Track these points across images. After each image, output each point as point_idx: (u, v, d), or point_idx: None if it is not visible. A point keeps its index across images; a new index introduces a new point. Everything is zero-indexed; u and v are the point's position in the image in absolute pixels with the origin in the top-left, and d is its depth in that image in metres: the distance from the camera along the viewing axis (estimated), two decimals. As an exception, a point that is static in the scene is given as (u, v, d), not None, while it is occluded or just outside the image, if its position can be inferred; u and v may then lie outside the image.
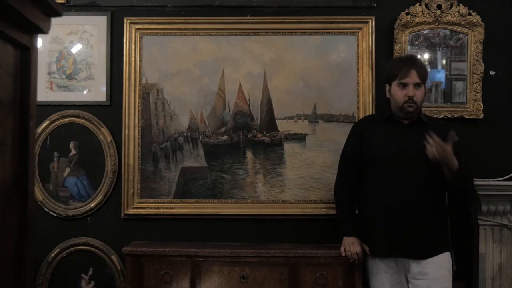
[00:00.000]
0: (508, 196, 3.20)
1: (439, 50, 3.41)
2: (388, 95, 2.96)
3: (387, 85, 2.95)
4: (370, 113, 3.38)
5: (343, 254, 2.97)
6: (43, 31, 1.25)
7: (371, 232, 2.90)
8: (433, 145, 2.65)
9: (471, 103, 3.35)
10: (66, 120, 3.46)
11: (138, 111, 3.44)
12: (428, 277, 2.77)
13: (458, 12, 3.37)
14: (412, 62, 2.91)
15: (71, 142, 3.47)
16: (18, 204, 1.21)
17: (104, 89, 3.46)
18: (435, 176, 2.80)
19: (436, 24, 3.39)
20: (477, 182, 3.15)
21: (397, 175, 2.81)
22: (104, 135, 3.45)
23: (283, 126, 3.46)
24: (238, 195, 3.44)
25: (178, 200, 3.45)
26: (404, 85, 2.84)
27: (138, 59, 3.45)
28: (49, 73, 3.47)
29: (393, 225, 2.80)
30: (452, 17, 3.37)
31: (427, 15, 3.38)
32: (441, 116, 3.33)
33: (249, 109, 3.48)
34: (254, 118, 3.48)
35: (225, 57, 3.46)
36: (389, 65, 3.02)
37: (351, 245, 2.96)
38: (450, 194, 3.05)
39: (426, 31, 3.41)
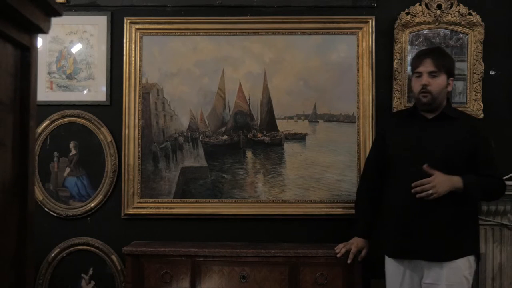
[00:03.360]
0: (508, 196, 3.19)
1: (439, 50, 3.40)
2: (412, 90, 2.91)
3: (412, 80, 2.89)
4: (370, 113, 3.39)
5: (336, 250, 2.99)
6: (43, 31, 1.25)
7: (389, 232, 2.81)
8: (424, 189, 2.60)
9: (471, 103, 3.35)
10: (66, 120, 3.46)
11: (138, 111, 3.44)
12: (441, 282, 2.66)
13: (458, 12, 3.37)
14: (428, 51, 2.85)
15: (71, 142, 3.47)
16: (18, 204, 1.21)
17: (104, 89, 3.46)
18: (459, 173, 2.66)
19: (436, 24, 3.39)
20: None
21: (416, 173, 2.67)
22: (104, 135, 3.45)
23: (283, 126, 3.46)
24: (238, 195, 3.44)
25: (178, 200, 3.45)
26: (419, 75, 2.76)
27: (138, 59, 3.45)
28: (49, 73, 3.47)
29: (410, 226, 2.70)
30: (452, 17, 3.37)
31: (427, 15, 3.38)
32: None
33: (249, 109, 3.48)
34: (254, 118, 3.48)
35: (225, 57, 3.46)
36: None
37: (348, 244, 2.98)
38: None
39: (426, 31, 3.41)
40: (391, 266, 2.83)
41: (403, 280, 2.77)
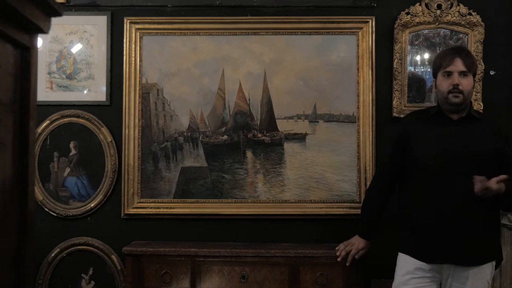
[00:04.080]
0: (508, 196, 3.18)
1: (439, 50, 3.40)
2: (434, 89, 2.81)
3: (434, 79, 2.80)
4: (370, 113, 3.39)
5: (337, 253, 3.00)
6: (43, 31, 1.25)
7: (416, 236, 2.70)
8: (480, 186, 2.51)
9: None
10: (66, 120, 3.46)
11: (138, 111, 3.45)
12: (466, 287, 2.60)
13: (458, 12, 3.37)
14: (457, 50, 2.76)
15: (71, 142, 3.47)
16: (18, 204, 1.21)
17: (104, 89, 3.47)
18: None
19: (436, 24, 3.39)
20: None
21: (445, 175, 2.61)
22: (104, 135, 3.45)
23: (283, 126, 3.46)
24: (238, 195, 3.44)
25: (178, 200, 3.45)
26: (449, 74, 2.65)
27: (138, 59, 3.45)
28: (49, 73, 3.47)
29: (438, 231, 2.62)
30: (452, 17, 3.37)
31: (427, 15, 3.39)
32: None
33: (249, 109, 3.48)
34: (254, 118, 3.48)
35: (225, 57, 3.46)
36: (434, 57, 2.88)
37: (349, 244, 2.98)
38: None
39: (426, 31, 3.41)
40: (409, 264, 2.71)
41: (418, 281, 2.68)
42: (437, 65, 2.74)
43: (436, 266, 2.66)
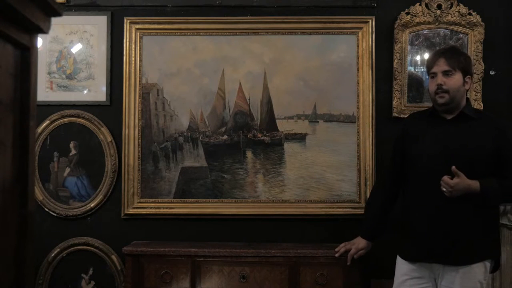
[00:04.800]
0: (508, 196, 3.18)
1: (439, 50, 3.40)
2: None
3: None
4: (370, 113, 3.39)
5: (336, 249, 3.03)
6: (43, 31, 1.25)
7: (407, 235, 2.72)
8: (446, 188, 2.54)
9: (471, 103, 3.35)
10: (66, 120, 3.46)
11: (138, 111, 3.45)
12: (456, 286, 2.58)
13: (458, 12, 3.37)
14: (441, 51, 2.75)
15: (71, 142, 3.47)
16: (18, 204, 1.21)
17: (104, 89, 3.47)
18: (482, 176, 2.57)
19: (436, 24, 3.39)
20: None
21: (439, 175, 2.57)
22: (104, 135, 3.45)
23: (283, 126, 3.47)
24: (238, 195, 3.44)
25: (178, 200, 3.45)
26: (434, 75, 2.66)
27: (138, 59, 3.45)
28: (49, 73, 3.47)
29: (430, 230, 2.61)
30: (452, 17, 3.37)
31: (427, 15, 3.39)
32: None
33: (249, 109, 3.48)
34: (254, 118, 3.48)
35: (225, 57, 3.46)
36: None
37: (349, 243, 2.99)
38: None
39: (426, 31, 3.41)
40: (405, 266, 2.72)
41: (412, 282, 2.69)
42: (427, 68, 2.75)
43: (427, 265, 2.66)
